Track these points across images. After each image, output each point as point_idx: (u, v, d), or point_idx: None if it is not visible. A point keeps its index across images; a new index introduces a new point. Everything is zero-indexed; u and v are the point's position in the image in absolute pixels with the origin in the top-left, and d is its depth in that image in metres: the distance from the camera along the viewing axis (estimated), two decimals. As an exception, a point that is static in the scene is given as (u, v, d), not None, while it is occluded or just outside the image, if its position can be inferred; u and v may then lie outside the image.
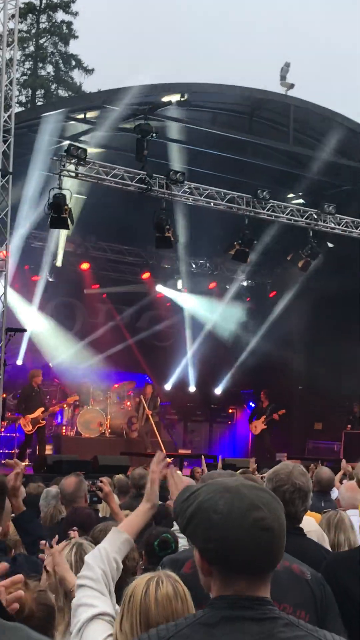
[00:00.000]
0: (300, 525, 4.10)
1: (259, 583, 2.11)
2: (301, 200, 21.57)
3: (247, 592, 2.08)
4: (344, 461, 9.63)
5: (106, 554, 3.17)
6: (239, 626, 2.04)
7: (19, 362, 21.59)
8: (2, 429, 17.86)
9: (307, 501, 4.03)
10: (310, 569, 3.22)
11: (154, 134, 16.82)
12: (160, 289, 25.21)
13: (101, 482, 6.25)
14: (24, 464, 13.26)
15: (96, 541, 4.50)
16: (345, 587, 3.27)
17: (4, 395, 16.25)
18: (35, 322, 21.92)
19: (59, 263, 22.03)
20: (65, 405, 21.40)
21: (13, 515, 5.13)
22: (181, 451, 22.64)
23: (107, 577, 3.10)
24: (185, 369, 25.04)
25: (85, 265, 23.67)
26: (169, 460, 3.42)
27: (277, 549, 2.13)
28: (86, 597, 2.99)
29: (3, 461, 12.89)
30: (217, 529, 2.07)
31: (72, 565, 3.67)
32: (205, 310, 25.17)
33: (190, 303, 25.26)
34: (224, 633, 2.03)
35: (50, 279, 22.57)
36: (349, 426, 22.10)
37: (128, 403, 22.74)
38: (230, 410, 25.84)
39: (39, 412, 18.68)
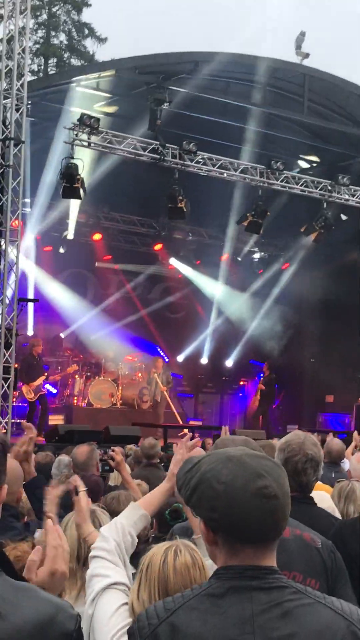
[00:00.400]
0: (312, 496, 4.10)
1: (265, 552, 2.10)
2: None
3: (253, 562, 2.08)
4: (355, 433, 9.62)
5: (122, 527, 3.17)
6: (247, 596, 2.03)
7: (30, 332, 21.63)
8: (15, 399, 17.90)
9: (319, 471, 4.02)
10: (321, 537, 3.22)
11: (168, 103, 16.69)
12: (173, 262, 25.13)
13: (113, 451, 6.27)
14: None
15: (108, 508, 4.52)
16: (353, 553, 3.26)
17: (16, 366, 16.27)
18: (48, 291, 21.96)
19: (70, 236, 22.00)
20: (59, 378, 21.46)
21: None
22: (192, 422, 22.68)
23: (121, 549, 3.10)
24: (200, 342, 25.05)
25: (97, 236, 23.61)
26: (198, 442, 3.37)
27: (282, 516, 2.12)
28: (100, 568, 2.99)
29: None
30: (221, 498, 2.07)
31: None
32: (217, 284, 25.14)
33: (203, 277, 25.23)
34: (232, 603, 2.03)
35: (62, 250, 22.58)
36: (360, 399, 22.10)
37: (139, 374, 22.77)
38: (241, 382, 25.84)
39: (40, 380, 18.76)
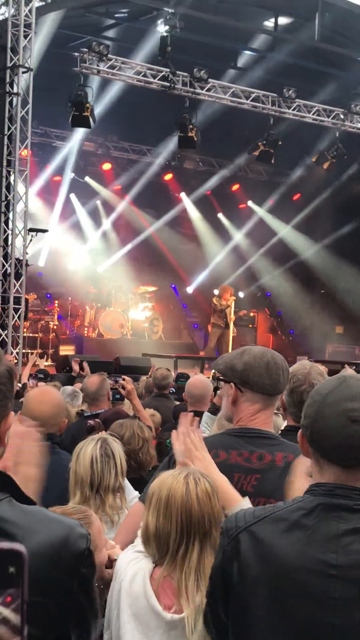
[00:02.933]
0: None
1: (354, 474, 2.09)
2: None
3: (344, 482, 2.08)
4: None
5: None
6: (335, 514, 2.04)
7: (41, 263, 21.64)
8: (26, 329, 18.00)
9: None
10: None
11: (178, 30, 16.35)
12: (183, 197, 24.91)
13: (124, 379, 6.32)
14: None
15: (118, 434, 4.55)
16: None
17: (27, 296, 16.31)
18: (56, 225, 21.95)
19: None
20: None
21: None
22: (202, 353, 22.78)
23: None
24: (211, 272, 25.00)
25: (106, 166, 23.40)
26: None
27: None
28: None
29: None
30: (313, 407, 2.12)
31: (96, 460, 3.72)
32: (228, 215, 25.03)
33: (213, 208, 25.11)
34: (320, 519, 2.04)
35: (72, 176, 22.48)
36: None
37: (150, 305, 22.80)
38: (252, 314, 25.87)
39: None
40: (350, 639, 1.98)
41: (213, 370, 12.08)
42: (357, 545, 2.01)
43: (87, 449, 3.74)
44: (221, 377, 3.26)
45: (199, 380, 6.51)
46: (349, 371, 8.75)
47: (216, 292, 21.37)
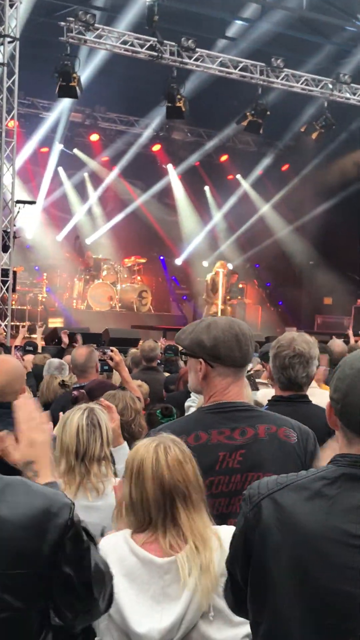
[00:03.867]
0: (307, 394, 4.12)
1: None
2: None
3: None
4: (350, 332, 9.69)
5: None
6: (358, 484, 2.05)
7: (29, 236, 21.56)
8: (14, 302, 17.95)
9: (309, 367, 4.04)
10: (298, 429, 3.21)
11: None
12: (169, 170, 24.79)
13: (112, 351, 6.32)
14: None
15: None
16: None
17: (15, 269, 16.25)
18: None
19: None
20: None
21: None
22: (191, 325, 22.79)
23: None
24: (199, 244, 24.98)
25: (94, 137, 23.24)
26: None
27: None
28: None
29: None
30: (344, 382, 2.09)
31: (82, 429, 3.72)
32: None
33: (201, 179, 25.03)
34: (343, 489, 2.06)
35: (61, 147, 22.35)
36: (359, 301, 22.15)
37: (138, 278, 22.77)
38: (240, 286, 25.85)
39: None
40: None
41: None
42: None
43: (74, 418, 3.74)
44: (187, 352, 3.19)
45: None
46: (336, 342, 8.79)
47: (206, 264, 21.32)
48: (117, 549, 2.69)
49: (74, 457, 3.67)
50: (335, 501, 2.05)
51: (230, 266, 23.82)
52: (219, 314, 20.03)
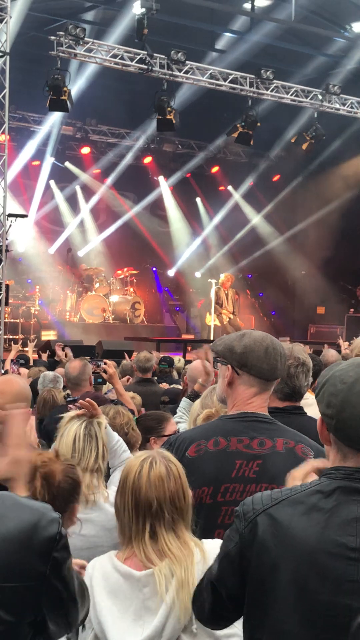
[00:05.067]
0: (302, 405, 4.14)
1: None
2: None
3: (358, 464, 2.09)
4: (340, 340, 9.71)
5: None
6: (354, 498, 2.06)
7: (21, 249, 21.57)
8: (7, 315, 17.95)
9: (309, 377, 4.09)
10: (315, 447, 3.25)
11: (155, 12, 16.24)
12: (161, 182, 24.85)
13: (105, 363, 6.33)
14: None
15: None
16: None
17: (7, 282, 16.24)
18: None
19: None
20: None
21: None
22: (184, 336, 22.81)
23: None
24: (191, 255, 25.02)
25: (85, 150, 23.30)
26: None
27: None
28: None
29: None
30: (338, 397, 2.09)
31: (79, 439, 3.75)
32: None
33: (192, 190, 25.10)
34: (338, 503, 2.06)
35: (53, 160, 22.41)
36: (352, 310, 22.21)
37: (131, 289, 22.79)
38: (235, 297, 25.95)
39: None
40: None
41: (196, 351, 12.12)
42: None
43: (72, 427, 3.77)
44: (219, 358, 3.25)
45: (197, 364, 6.47)
46: (330, 352, 8.81)
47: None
48: (103, 567, 2.72)
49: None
50: (332, 514, 2.06)
51: (222, 277, 23.88)
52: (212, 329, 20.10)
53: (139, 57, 16.76)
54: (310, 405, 4.40)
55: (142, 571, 2.66)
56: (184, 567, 2.66)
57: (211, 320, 20.46)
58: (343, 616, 2.00)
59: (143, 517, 2.70)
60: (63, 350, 10.53)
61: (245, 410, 3.13)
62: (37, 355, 14.25)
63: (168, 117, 17.60)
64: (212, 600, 2.26)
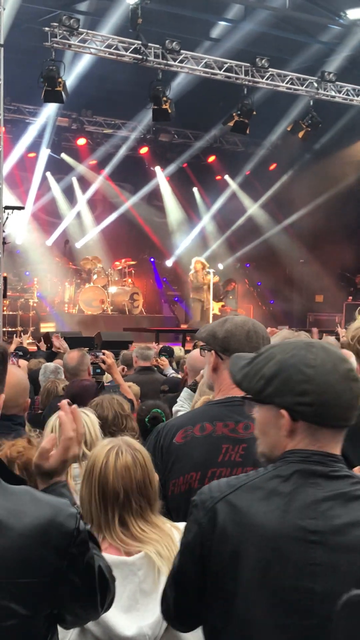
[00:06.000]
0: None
1: (339, 438, 2.12)
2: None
3: (322, 448, 2.09)
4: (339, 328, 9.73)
5: None
6: (312, 481, 2.06)
7: (19, 241, 21.55)
8: (5, 307, 17.95)
9: None
10: None
11: (148, 1, 16.19)
12: (158, 171, 24.82)
13: (104, 354, 6.34)
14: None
15: (100, 416, 4.56)
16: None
17: (5, 275, 16.23)
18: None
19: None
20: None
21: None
22: (183, 326, 22.81)
23: None
24: (189, 245, 25.01)
25: (81, 141, 23.25)
26: None
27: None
28: None
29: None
30: (314, 381, 2.06)
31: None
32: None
33: (189, 180, 25.08)
34: (296, 487, 2.05)
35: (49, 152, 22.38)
36: (350, 297, 22.21)
37: (129, 280, 22.78)
38: (232, 285, 25.94)
39: None
40: (329, 605, 1.99)
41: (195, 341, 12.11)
42: (336, 510, 2.03)
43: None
44: (203, 346, 3.28)
45: (197, 353, 6.47)
46: (329, 340, 8.82)
47: (191, 267, 21.38)
48: None
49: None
50: (291, 498, 2.05)
51: (220, 266, 23.92)
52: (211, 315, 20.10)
53: (133, 47, 16.71)
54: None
55: (132, 556, 2.67)
56: (166, 546, 2.69)
57: (210, 309, 20.47)
58: (307, 599, 2.00)
59: (112, 507, 2.71)
60: (47, 339, 10.54)
61: (231, 394, 3.13)
62: (35, 347, 14.26)
63: (164, 106, 17.55)
64: (176, 595, 2.22)
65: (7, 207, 15.66)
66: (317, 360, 2.08)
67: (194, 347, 11.72)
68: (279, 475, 2.08)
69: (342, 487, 2.06)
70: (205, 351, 3.27)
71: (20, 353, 10.75)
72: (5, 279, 15.85)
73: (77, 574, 2.08)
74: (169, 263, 25.38)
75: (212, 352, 3.19)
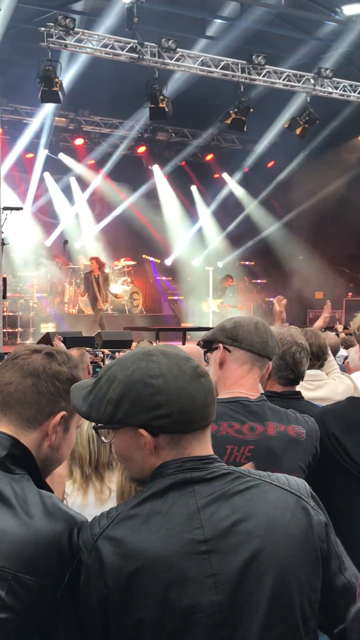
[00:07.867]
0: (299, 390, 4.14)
1: (204, 439, 2.03)
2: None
3: (194, 453, 2.00)
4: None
5: None
6: (189, 490, 1.96)
7: (18, 242, 21.52)
8: (5, 309, 17.96)
9: (308, 361, 4.07)
10: (307, 426, 3.24)
11: (144, 0, 16.19)
12: (156, 170, 24.83)
13: (103, 353, 6.35)
14: None
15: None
16: (334, 435, 3.30)
17: (4, 276, 16.24)
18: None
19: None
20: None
21: None
22: (184, 325, 22.82)
23: None
24: (188, 244, 25.02)
25: (79, 141, 23.25)
26: None
27: (214, 396, 2.05)
28: None
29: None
30: (165, 390, 1.94)
31: (93, 438, 3.78)
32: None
33: (188, 177, 25.08)
34: (174, 501, 1.94)
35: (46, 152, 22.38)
36: (350, 294, 22.20)
37: (129, 279, 22.78)
38: (231, 283, 25.92)
39: None
40: (236, 612, 1.90)
41: (199, 341, 12.08)
42: (221, 512, 1.94)
43: (83, 427, 3.75)
44: (208, 343, 3.28)
45: (191, 347, 6.47)
46: (329, 335, 8.78)
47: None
48: None
49: (88, 466, 3.72)
50: (172, 514, 1.92)
51: (220, 264, 23.93)
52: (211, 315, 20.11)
53: (129, 46, 16.71)
54: (322, 386, 4.50)
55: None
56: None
57: (209, 307, 20.47)
58: (212, 614, 1.88)
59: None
60: (47, 341, 10.55)
61: (236, 390, 3.12)
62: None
63: (160, 105, 17.55)
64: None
65: (5, 208, 15.69)
66: (160, 368, 1.96)
67: (198, 344, 11.70)
68: (153, 494, 1.95)
69: (222, 487, 1.97)
70: (210, 353, 3.26)
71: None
72: (5, 280, 15.86)
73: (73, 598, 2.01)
74: (168, 262, 25.37)
75: (220, 346, 3.19)
